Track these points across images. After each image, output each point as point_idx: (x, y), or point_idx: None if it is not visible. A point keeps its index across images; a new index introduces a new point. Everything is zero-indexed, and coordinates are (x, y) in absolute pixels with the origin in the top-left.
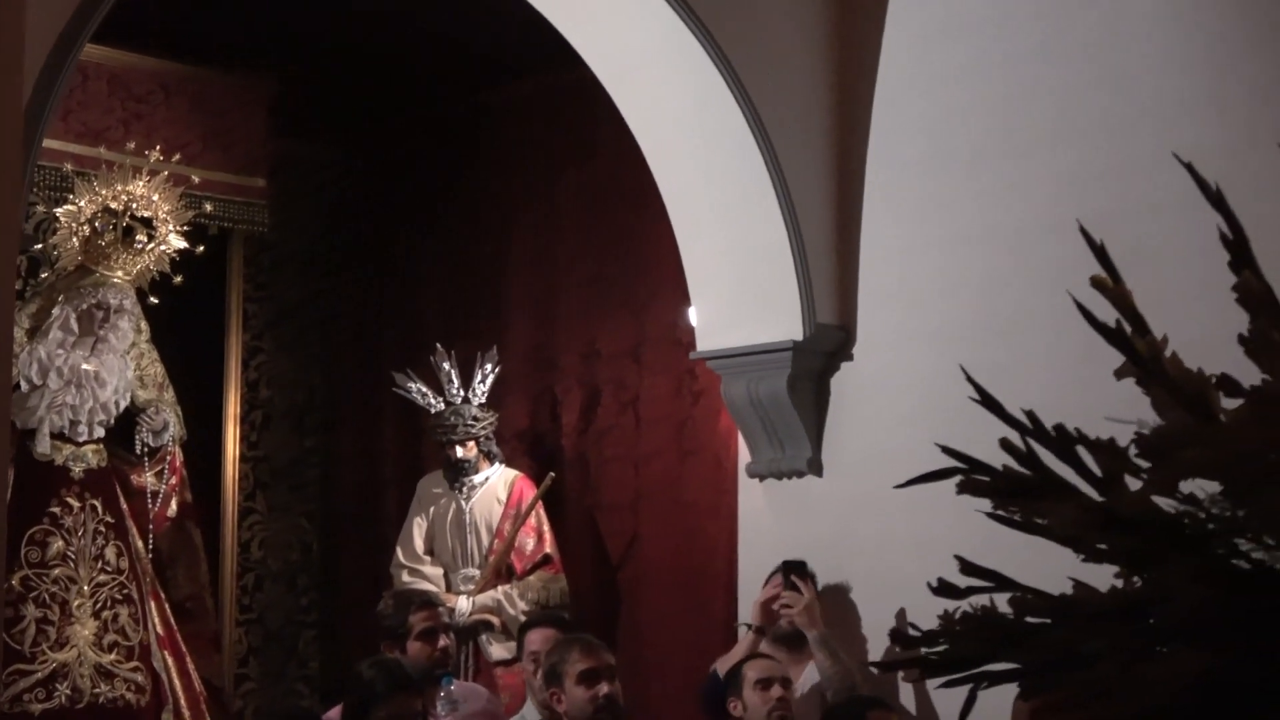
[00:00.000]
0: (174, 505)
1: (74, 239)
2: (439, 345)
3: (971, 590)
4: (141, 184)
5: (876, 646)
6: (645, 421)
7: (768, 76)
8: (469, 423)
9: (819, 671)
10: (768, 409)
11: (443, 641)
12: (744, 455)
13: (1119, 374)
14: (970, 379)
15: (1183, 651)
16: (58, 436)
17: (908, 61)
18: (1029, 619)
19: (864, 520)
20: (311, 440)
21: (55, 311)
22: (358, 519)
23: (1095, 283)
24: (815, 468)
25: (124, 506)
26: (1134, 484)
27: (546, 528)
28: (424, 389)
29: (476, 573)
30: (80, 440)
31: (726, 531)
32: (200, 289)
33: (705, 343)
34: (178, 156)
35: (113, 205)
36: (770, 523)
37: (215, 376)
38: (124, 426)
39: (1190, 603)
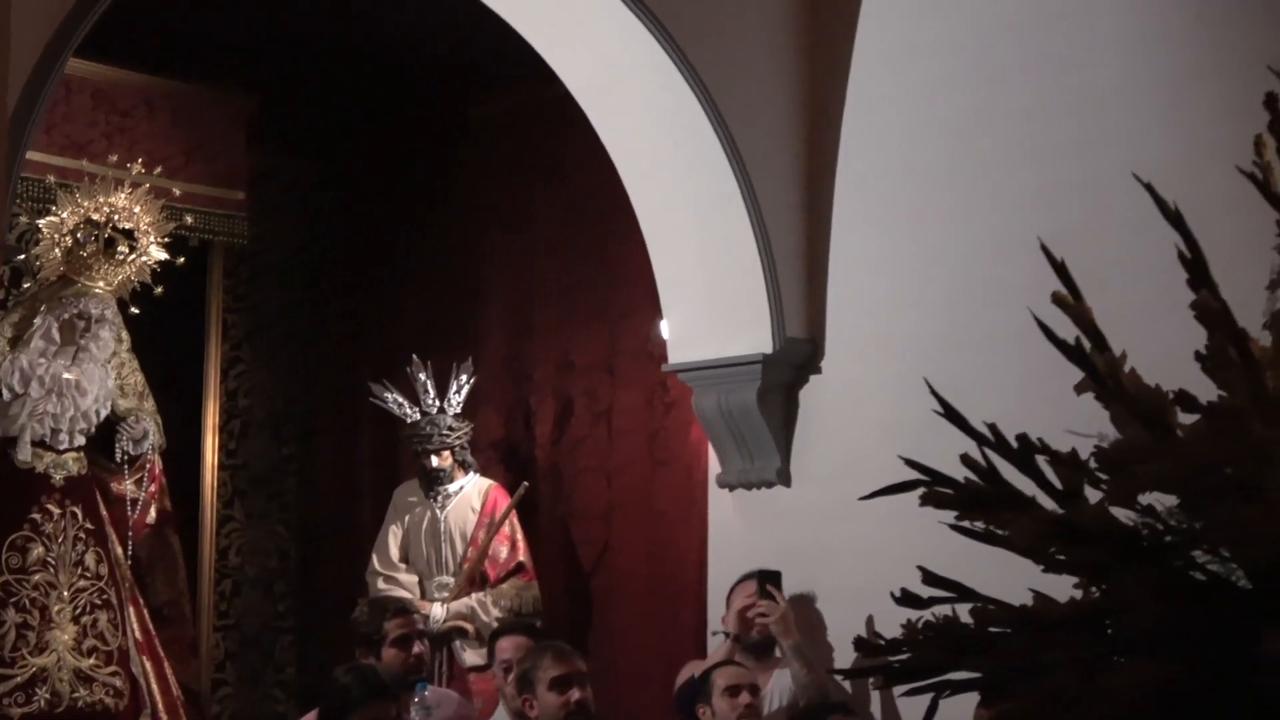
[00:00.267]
0: (153, 512)
1: (56, 250)
2: (415, 356)
3: (934, 600)
4: (123, 196)
5: (842, 654)
6: (618, 432)
7: (740, 94)
8: (444, 432)
9: (794, 679)
10: (738, 420)
11: (417, 648)
12: (714, 466)
13: (1078, 389)
14: (935, 393)
15: (1140, 661)
16: (39, 444)
17: (877, 80)
18: (990, 629)
19: (831, 530)
20: (289, 449)
21: (37, 321)
22: (334, 527)
23: (1056, 300)
24: (784, 478)
25: (104, 513)
26: (1093, 497)
27: (520, 536)
28: (400, 399)
29: (451, 580)
30: (61, 448)
31: (697, 541)
32: (180, 300)
33: (677, 355)
34: (159, 169)
35: (95, 217)
36: (740, 532)
37: (195, 386)
38: (104, 434)
39: (1148, 614)
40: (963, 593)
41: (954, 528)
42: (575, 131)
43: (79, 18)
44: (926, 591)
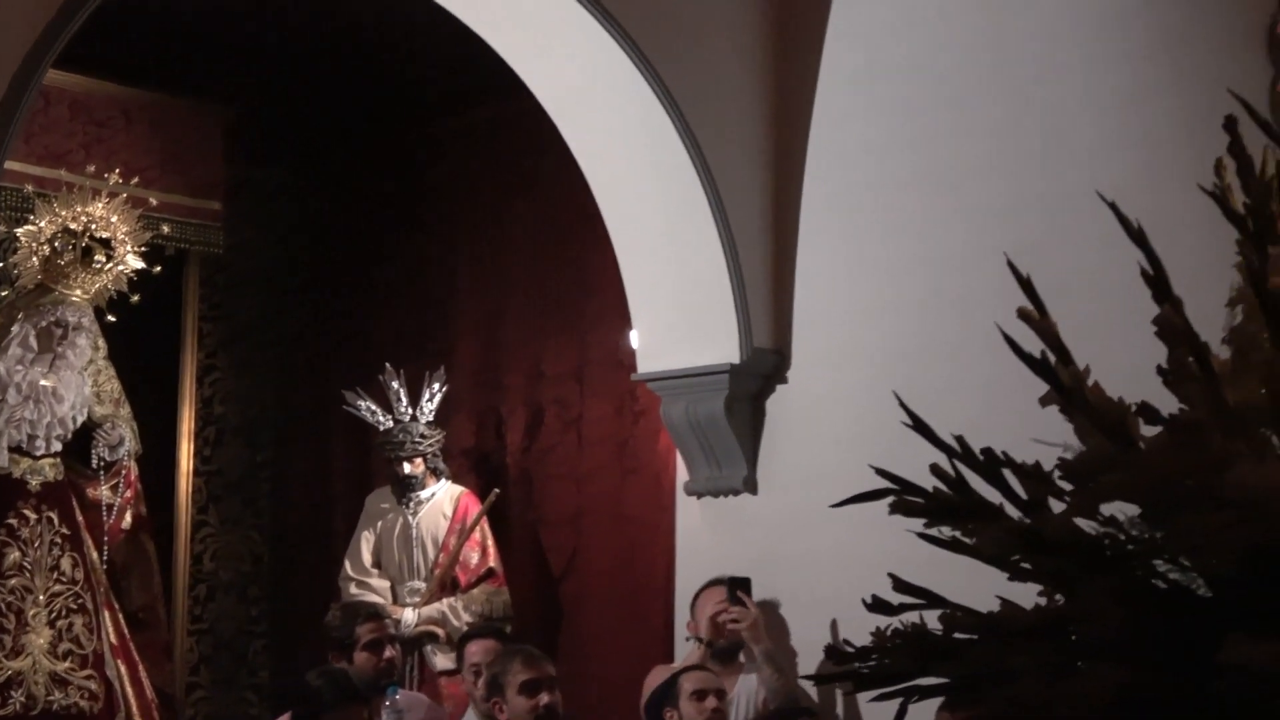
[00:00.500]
0: (128, 518)
1: (34, 258)
2: (388, 365)
3: (904, 607)
4: (101, 206)
5: (807, 658)
6: (587, 440)
7: (708, 109)
8: (416, 440)
9: (764, 684)
10: (705, 429)
11: (389, 652)
12: (682, 474)
13: (1043, 402)
14: (903, 405)
15: (1102, 667)
16: (16, 450)
17: (844, 96)
18: (957, 635)
19: (797, 537)
20: (263, 455)
21: (15, 329)
22: (308, 532)
23: (1022, 315)
24: (750, 486)
25: (80, 519)
26: (1058, 507)
27: (490, 542)
28: (373, 407)
29: (422, 585)
30: (38, 454)
31: (665, 547)
32: (156, 308)
33: (646, 365)
34: (136, 179)
35: (72, 226)
36: (707, 539)
37: (170, 393)
38: (81, 441)
39: (1111, 621)
40: (932, 600)
41: (922, 536)
42: (547, 144)
43: (58, 29)
44: (897, 598)
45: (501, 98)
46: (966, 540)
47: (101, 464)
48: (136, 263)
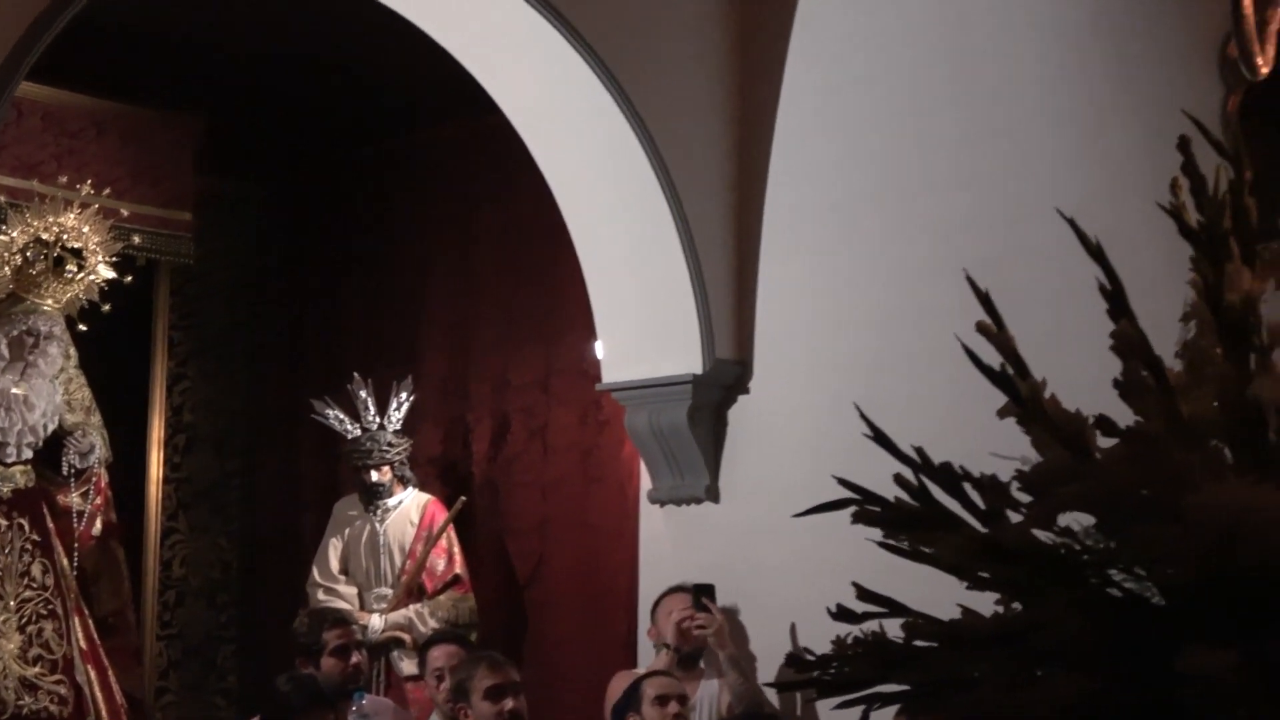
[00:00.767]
0: (99, 524)
1: (6, 268)
2: (356, 374)
3: (867, 615)
4: (72, 216)
5: (767, 664)
6: (552, 449)
7: (672, 123)
8: (384, 448)
9: (729, 689)
10: (668, 438)
11: (355, 658)
12: (645, 482)
13: (1001, 414)
14: (864, 417)
15: (1059, 675)
16: None
17: (806, 111)
18: (918, 642)
19: (758, 545)
20: (233, 463)
21: None
22: (276, 539)
23: (980, 328)
24: (713, 495)
25: (50, 525)
26: (1015, 517)
27: (457, 549)
28: (341, 415)
29: (389, 592)
30: (9, 461)
31: (628, 554)
32: (127, 317)
33: (610, 375)
34: (108, 190)
35: (44, 236)
36: (670, 546)
37: (140, 401)
38: (52, 448)
39: (1066, 629)
40: (894, 608)
41: (883, 545)
42: (516, 158)
43: (30, 42)
44: (860, 606)
45: (469, 111)
46: (926, 549)
47: (72, 471)
48: (108, 272)
